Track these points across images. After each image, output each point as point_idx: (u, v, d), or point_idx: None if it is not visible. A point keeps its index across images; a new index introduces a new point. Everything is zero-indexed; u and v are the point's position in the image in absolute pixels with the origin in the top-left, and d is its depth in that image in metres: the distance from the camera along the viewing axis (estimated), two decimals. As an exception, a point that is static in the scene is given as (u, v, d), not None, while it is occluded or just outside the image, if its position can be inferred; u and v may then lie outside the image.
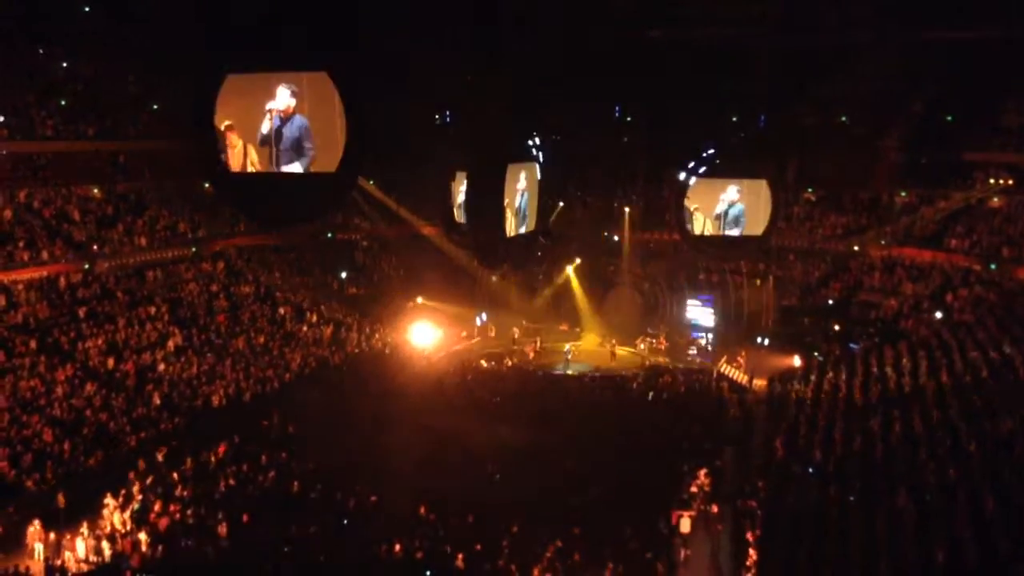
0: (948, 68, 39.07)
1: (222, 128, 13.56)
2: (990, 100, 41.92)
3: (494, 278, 44.28)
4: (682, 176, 31.69)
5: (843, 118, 46.73)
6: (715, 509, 22.38)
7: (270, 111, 13.35)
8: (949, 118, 44.65)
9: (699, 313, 42.99)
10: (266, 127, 13.45)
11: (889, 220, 45.29)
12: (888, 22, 32.58)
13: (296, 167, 13.49)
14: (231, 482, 24.06)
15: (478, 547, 20.11)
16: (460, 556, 19.47)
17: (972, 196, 42.30)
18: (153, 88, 42.95)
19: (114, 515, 21.99)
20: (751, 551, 19.43)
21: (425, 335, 40.05)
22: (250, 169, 13.64)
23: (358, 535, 20.99)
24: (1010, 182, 41.11)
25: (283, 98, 13.29)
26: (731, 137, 31.84)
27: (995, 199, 41.89)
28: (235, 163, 13.66)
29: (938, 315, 36.16)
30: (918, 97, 41.69)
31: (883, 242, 44.19)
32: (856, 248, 45.03)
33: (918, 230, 43.71)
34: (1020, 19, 32.29)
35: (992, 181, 41.65)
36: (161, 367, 31.42)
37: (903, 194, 46.29)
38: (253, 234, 43.91)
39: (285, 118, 13.37)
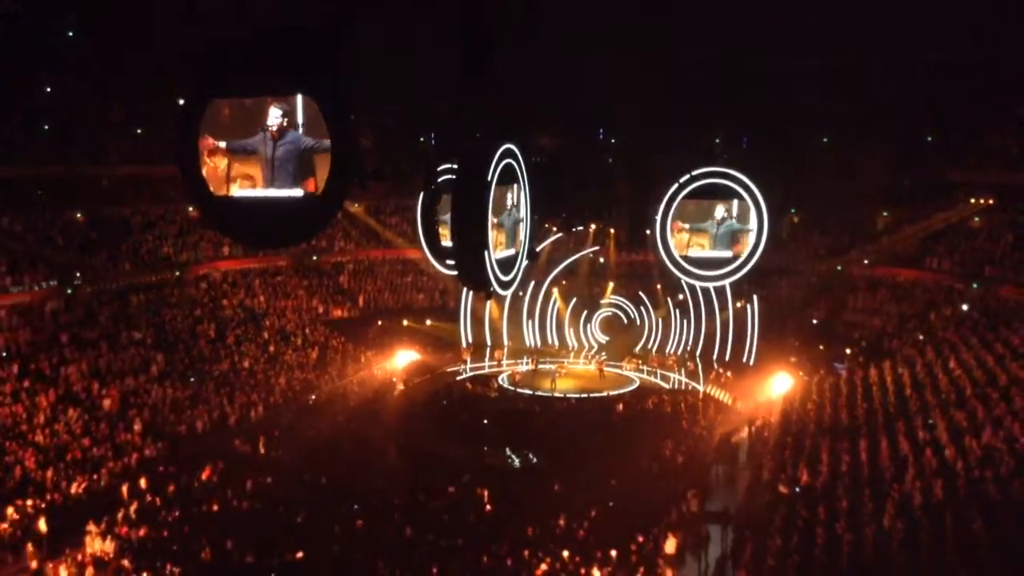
0: (928, 88, 39.52)
1: (213, 150, 13.56)
2: (970, 120, 42.32)
3: (480, 300, 44.23)
4: (666, 197, 31.94)
5: (825, 139, 47.10)
6: (702, 530, 22.30)
7: (264, 130, 13.39)
8: (929, 138, 45.08)
9: (684, 334, 43.07)
10: (260, 147, 13.47)
11: (872, 240, 45.62)
12: (869, 44, 33.00)
13: (291, 185, 13.50)
14: (215, 507, 23.87)
15: (467, 569, 20.01)
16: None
17: (954, 216, 42.62)
18: (137, 113, 42.93)
19: (96, 541, 21.75)
20: (739, 572, 19.36)
21: (405, 359, 40.10)
22: (242, 190, 13.63)
23: (345, 560, 20.81)
24: (991, 201, 41.45)
25: (274, 117, 13.34)
26: (715, 159, 32.02)
27: (976, 218, 42.21)
28: (228, 184, 13.64)
29: (920, 336, 36.29)
30: (899, 118, 42.05)
31: (866, 262, 44.48)
32: (839, 268, 45.32)
33: (901, 250, 44.00)
34: (998, 40, 32.78)
35: (973, 201, 41.97)
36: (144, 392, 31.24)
37: (885, 214, 46.67)
38: (237, 258, 43.82)
39: (277, 136, 13.40)
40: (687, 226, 32.37)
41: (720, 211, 32.74)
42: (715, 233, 32.35)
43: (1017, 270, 36.89)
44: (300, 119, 13.22)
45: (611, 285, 45.43)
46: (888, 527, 19.50)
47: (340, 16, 15.21)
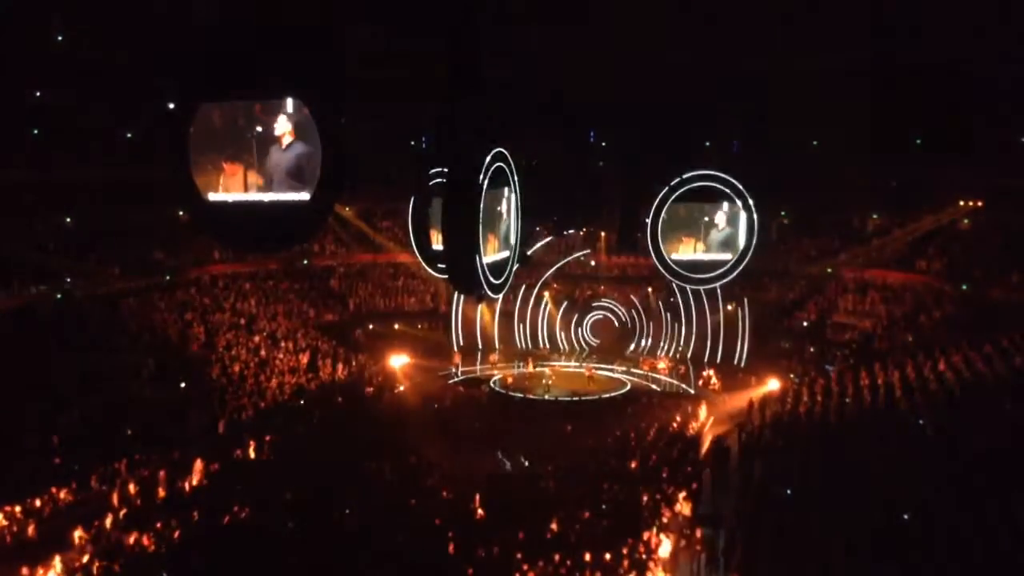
0: (916, 90, 39.60)
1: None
2: (960, 122, 42.41)
3: (472, 304, 44.26)
4: (657, 200, 32.02)
5: (815, 142, 47.20)
6: (695, 533, 22.33)
7: (266, 137, 13.37)
8: (919, 141, 45.19)
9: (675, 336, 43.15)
10: (264, 153, 13.45)
11: (861, 242, 45.76)
12: (856, 45, 33.07)
13: (283, 190, 13.48)
14: (206, 513, 23.76)
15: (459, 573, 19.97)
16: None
17: (943, 218, 42.77)
18: (127, 117, 42.77)
19: (86, 547, 21.65)
20: (731, 574, 19.38)
21: (397, 362, 40.11)
22: (234, 195, 13.60)
23: (338, 566, 20.77)
24: (980, 204, 41.61)
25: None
26: (705, 162, 32.14)
27: (966, 221, 42.36)
28: (230, 189, 13.61)
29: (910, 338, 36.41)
30: (887, 120, 42.14)
31: (856, 264, 44.62)
32: (829, 270, 45.46)
33: (890, 252, 44.14)
34: (989, 42, 32.89)
35: (962, 203, 42.12)
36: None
37: (875, 217, 46.82)
38: (228, 262, 43.72)
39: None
40: (683, 229, 32.51)
41: (715, 213, 32.90)
42: (706, 236, 32.45)
43: (1006, 272, 37.06)
44: (291, 126, 13.21)
45: (602, 287, 45.50)
46: (879, 528, 19.55)
47: (331, 20, 15.23)
